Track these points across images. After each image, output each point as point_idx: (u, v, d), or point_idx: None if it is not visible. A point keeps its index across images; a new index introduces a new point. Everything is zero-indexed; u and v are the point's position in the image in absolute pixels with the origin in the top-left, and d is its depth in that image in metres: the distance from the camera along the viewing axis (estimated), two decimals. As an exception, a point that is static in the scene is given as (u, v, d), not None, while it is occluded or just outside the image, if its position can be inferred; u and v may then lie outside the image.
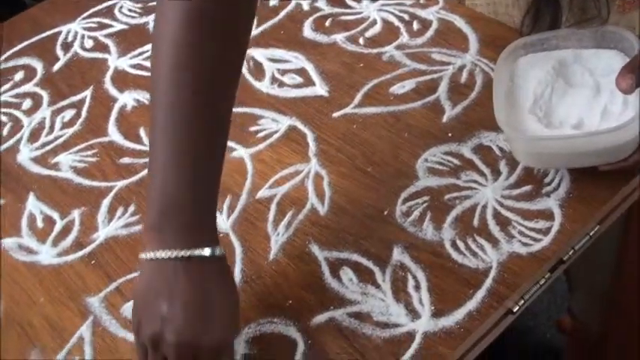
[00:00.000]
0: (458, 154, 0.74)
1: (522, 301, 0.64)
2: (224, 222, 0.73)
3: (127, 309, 0.68)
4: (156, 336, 0.55)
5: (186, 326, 0.54)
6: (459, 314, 0.62)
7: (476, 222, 0.68)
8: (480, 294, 0.63)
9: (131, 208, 0.77)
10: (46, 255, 0.75)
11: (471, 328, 0.61)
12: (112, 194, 0.79)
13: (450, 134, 0.76)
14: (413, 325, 0.62)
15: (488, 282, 0.64)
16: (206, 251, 0.56)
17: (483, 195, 0.70)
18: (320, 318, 0.64)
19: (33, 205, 0.80)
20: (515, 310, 0.64)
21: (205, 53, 0.57)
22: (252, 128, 0.82)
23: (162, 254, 0.56)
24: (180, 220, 0.57)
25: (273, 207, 0.74)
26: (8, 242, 0.77)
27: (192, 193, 0.57)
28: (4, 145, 0.88)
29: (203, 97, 0.57)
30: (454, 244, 0.67)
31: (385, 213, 0.70)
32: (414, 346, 0.61)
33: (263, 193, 0.75)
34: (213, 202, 0.60)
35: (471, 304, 0.62)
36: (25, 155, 0.86)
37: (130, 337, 0.66)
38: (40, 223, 0.78)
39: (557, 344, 1.31)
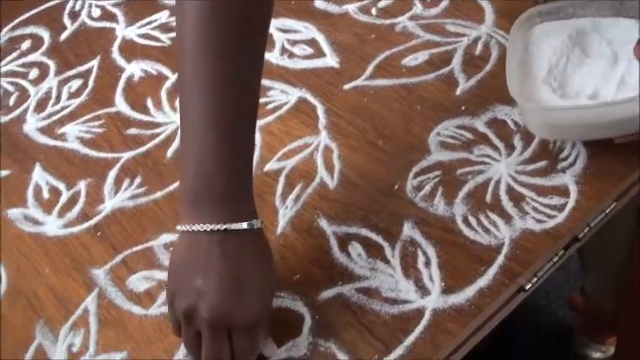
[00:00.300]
0: (471, 128, 0.72)
1: (535, 279, 0.63)
2: (231, 195, 0.72)
3: (133, 281, 0.68)
4: (190, 310, 0.54)
5: (221, 301, 0.54)
6: (470, 291, 0.61)
7: (488, 198, 0.67)
8: (492, 271, 0.62)
9: (137, 180, 0.76)
10: (52, 226, 0.74)
11: (481, 306, 0.60)
12: (118, 165, 0.78)
13: (463, 107, 0.74)
14: (422, 302, 0.61)
15: (501, 259, 0.62)
16: (244, 225, 0.55)
17: (497, 170, 0.68)
18: (328, 293, 0.63)
19: (39, 175, 0.79)
20: (527, 287, 0.62)
21: (230, 21, 0.56)
22: (261, 100, 0.79)
23: (198, 227, 0.55)
24: (217, 192, 0.55)
25: (281, 180, 0.72)
26: (14, 213, 0.76)
27: (229, 164, 0.56)
28: (11, 115, 0.87)
29: (232, 63, 0.56)
30: (466, 220, 0.65)
31: (396, 187, 0.69)
32: (423, 322, 0.60)
33: (271, 165, 0.74)
34: (249, 172, 0.58)
35: (482, 281, 0.61)
36: (31, 125, 0.85)
37: (136, 309, 0.66)
38: (45, 194, 0.77)
39: (569, 322, 1.30)
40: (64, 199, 0.76)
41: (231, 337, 0.55)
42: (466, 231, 0.65)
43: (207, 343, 0.55)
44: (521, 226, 0.64)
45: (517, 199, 0.66)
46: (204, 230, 0.54)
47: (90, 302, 0.67)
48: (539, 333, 1.33)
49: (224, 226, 0.54)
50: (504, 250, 0.63)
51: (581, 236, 0.65)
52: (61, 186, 0.77)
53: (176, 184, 0.74)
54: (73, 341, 0.65)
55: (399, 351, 0.58)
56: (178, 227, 0.57)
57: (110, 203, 0.74)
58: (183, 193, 0.57)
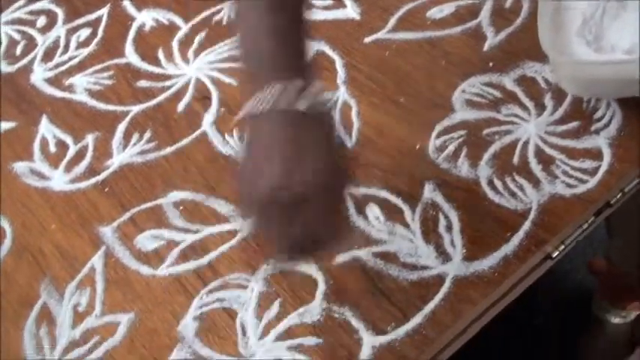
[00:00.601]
0: (499, 86, 0.69)
1: (563, 247, 0.60)
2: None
3: (141, 240, 0.65)
4: (252, 196, 0.49)
5: (280, 170, 0.48)
6: (494, 258, 0.58)
7: (516, 160, 0.63)
8: (517, 237, 0.59)
9: (147, 135, 0.73)
10: (59, 181, 0.72)
11: (505, 273, 0.57)
12: (127, 119, 0.75)
13: (491, 64, 0.70)
14: (443, 268, 0.58)
15: (527, 225, 0.59)
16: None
17: (525, 130, 0.65)
18: (343, 257, 0.60)
19: (46, 128, 0.77)
20: (554, 255, 0.60)
21: None
22: (277, 52, 0.77)
23: (259, 96, 0.49)
24: (273, 69, 0.50)
25: (296, 137, 0.69)
26: (20, 166, 0.74)
27: (284, 44, 0.51)
28: (17, 65, 0.84)
29: None
30: (491, 183, 0.62)
31: (417, 147, 0.66)
32: (443, 289, 0.57)
33: (287, 122, 0.71)
34: (306, 54, 0.52)
35: (507, 248, 0.58)
36: (38, 75, 0.82)
37: (144, 269, 0.64)
38: (52, 148, 0.75)
39: (588, 285, 1.28)
40: (71, 152, 0.74)
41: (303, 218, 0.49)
42: (491, 194, 0.62)
43: (277, 223, 0.50)
44: (549, 190, 0.61)
45: (546, 161, 0.63)
46: (261, 108, 0.48)
47: (96, 261, 0.65)
48: (559, 296, 1.31)
49: (282, 86, 0.48)
50: (531, 215, 0.60)
51: (613, 202, 0.62)
52: (68, 139, 0.75)
53: (186, 140, 0.71)
54: (79, 300, 0.63)
55: (418, 319, 0.56)
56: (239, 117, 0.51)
57: (118, 158, 0.72)
58: (242, 79, 0.52)
